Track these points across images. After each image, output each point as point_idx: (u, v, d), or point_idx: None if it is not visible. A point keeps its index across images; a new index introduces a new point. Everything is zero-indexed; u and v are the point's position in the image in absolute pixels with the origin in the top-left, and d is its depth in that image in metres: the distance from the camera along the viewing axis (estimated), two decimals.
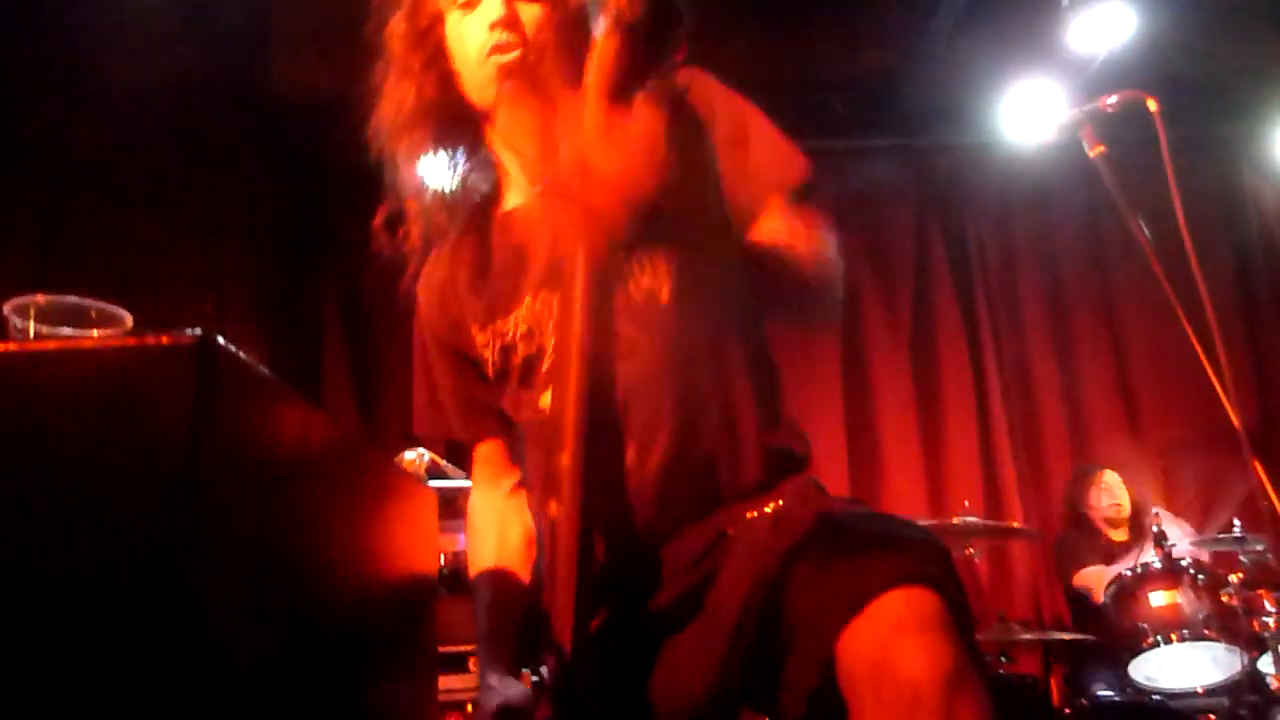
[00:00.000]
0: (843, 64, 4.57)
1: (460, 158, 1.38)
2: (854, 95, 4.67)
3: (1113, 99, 1.78)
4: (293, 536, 1.04)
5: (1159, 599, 3.35)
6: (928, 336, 4.71)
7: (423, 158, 1.35)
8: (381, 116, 1.34)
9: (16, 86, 3.21)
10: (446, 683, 3.18)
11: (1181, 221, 1.66)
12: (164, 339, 0.87)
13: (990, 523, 3.62)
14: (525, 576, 1.43)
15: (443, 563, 3.27)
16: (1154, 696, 3.30)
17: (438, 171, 1.36)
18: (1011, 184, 4.76)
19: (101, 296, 1.22)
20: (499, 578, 1.41)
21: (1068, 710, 3.34)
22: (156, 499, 0.83)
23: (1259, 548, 3.45)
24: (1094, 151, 1.75)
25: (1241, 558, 3.37)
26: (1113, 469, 4.03)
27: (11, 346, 0.89)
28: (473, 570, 1.44)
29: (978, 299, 4.76)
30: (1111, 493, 3.94)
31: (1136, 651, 3.34)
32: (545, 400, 1.24)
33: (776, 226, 1.27)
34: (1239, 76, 4.58)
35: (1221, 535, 3.56)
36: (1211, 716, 3.30)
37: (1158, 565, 3.37)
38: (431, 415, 1.44)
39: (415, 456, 3.49)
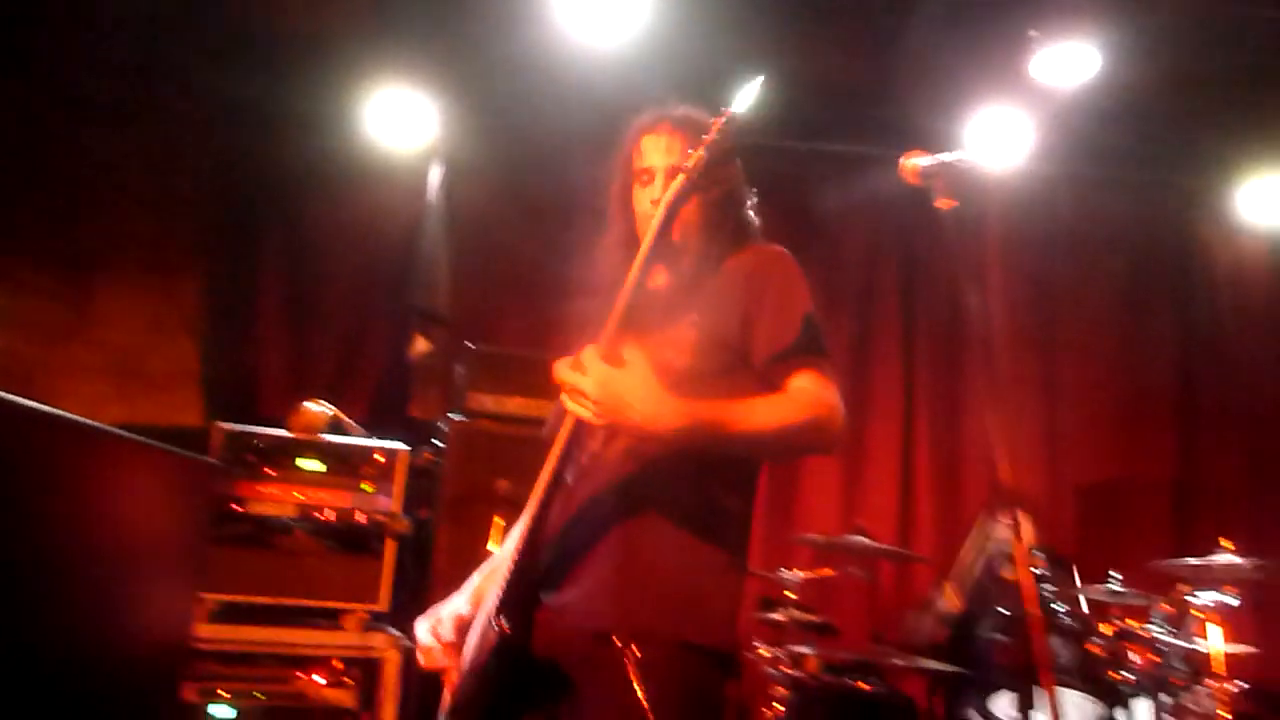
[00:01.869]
0: (816, 67, 4.54)
1: None
2: (822, 99, 4.64)
3: (960, 157, 1.76)
4: None
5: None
6: (865, 353, 4.70)
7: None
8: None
9: None
10: (316, 638, 3.25)
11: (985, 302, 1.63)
12: None
13: (878, 545, 3.62)
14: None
15: (334, 519, 3.33)
16: None
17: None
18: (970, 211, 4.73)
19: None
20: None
21: None
22: None
23: (1137, 601, 3.47)
24: (942, 204, 1.73)
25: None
26: (1019, 509, 4.02)
27: None
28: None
29: (919, 322, 4.75)
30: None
31: (999, 687, 3.37)
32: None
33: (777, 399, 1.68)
34: (1204, 128, 4.53)
35: (1099, 585, 3.56)
36: None
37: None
38: None
39: (320, 409, 3.52)
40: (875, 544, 3.58)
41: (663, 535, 1.67)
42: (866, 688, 3.47)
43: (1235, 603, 3.26)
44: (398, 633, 3.29)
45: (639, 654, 1.52)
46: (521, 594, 1.62)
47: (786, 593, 3.62)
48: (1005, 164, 4.51)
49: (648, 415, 1.52)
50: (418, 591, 3.34)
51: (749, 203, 1.93)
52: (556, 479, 1.66)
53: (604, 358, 1.55)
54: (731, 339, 1.74)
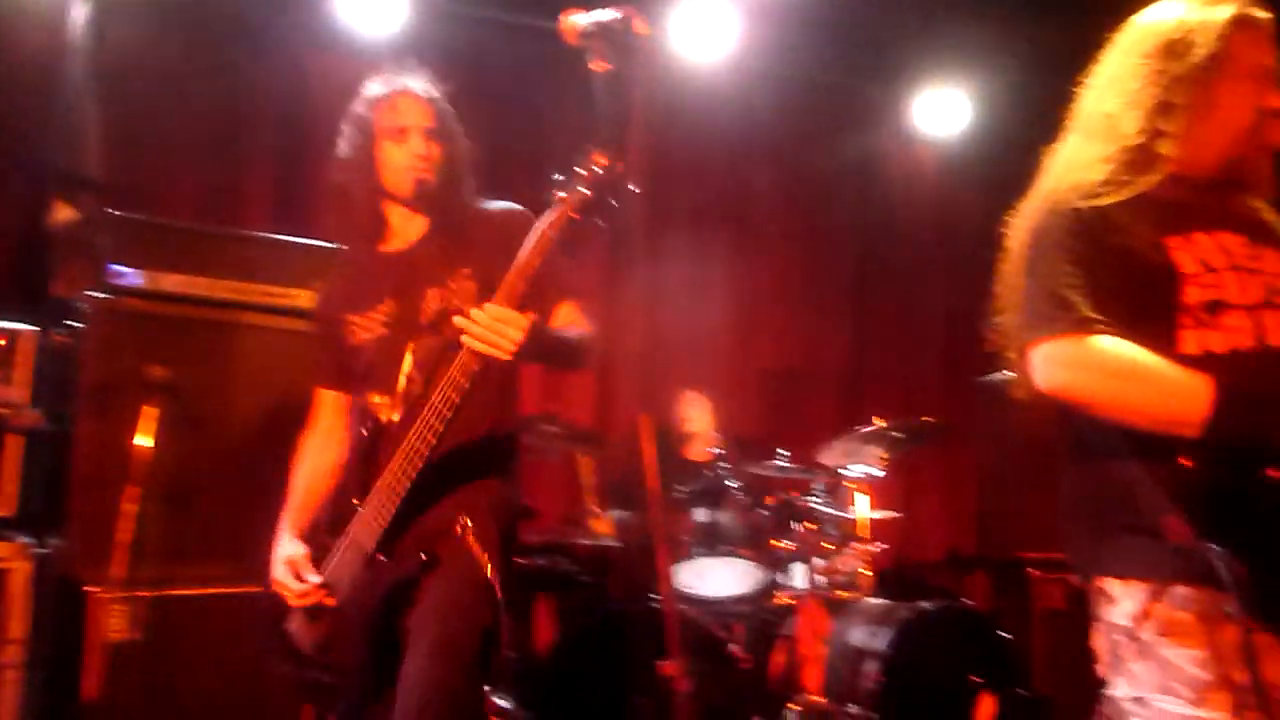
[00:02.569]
0: None
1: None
2: None
3: (618, 17, 1.66)
4: None
5: (701, 515, 3.57)
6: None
7: None
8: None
9: None
10: None
11: (636, 147, 1.58)
12: None
13: (559, 429, 3.66)
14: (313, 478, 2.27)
15: None
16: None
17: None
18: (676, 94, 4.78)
19: None
20: (307, 475, 2.28)
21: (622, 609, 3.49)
22: None
23: (801, 476, 3.76)
24: (597, 66, 1.63)
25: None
26: (701, 389, 4.20)
27: None
28: (294, 470, 2.28)
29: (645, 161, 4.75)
30: (694, 411, 4.11)
31: (675, 559, 3.55)
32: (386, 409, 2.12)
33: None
34: (890, 38, 4.80)
35: (767, 462, 3.83)
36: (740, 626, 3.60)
37: (705, 485, 3.57)
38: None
39: None
40: (557, 429, 3.62)
41: (484, 453, 2.11)
42: (556, 567, 3.55)
43: (880, 474, 3.61)
44: (29, 539, 2.93)
45: (471, 524, 2.04)
46: (394, 527, 1.99)
47: None
48: (707, 57, 4.57)
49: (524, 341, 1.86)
50: (55, 494, 2.97)
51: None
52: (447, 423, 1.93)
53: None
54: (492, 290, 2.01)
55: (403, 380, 2.10)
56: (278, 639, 2.15)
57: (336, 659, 2.05)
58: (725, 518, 3.57)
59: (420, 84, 2.20)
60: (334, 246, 3.23)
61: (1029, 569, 4.45)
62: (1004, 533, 5.04)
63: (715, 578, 3.55)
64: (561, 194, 1.85)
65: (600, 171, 1.83)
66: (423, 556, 1.98)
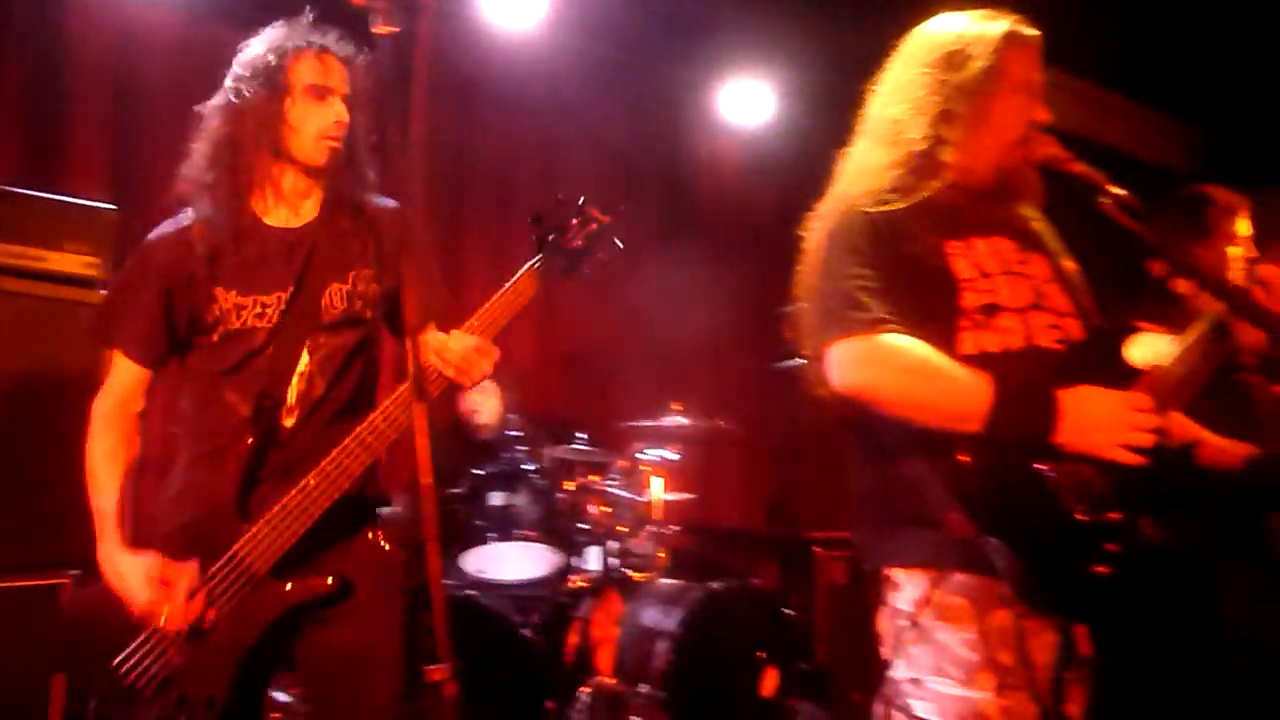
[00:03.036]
0: None
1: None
2: None
3: None
4: None
5: (497, 500, 3.51)
6: None
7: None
8: None
9: None
10: None
11: (415, 121, 1.48)
12: None
13: None
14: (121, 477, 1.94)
15: None
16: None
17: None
18: (480, 69, 4.65)
19: None
20: (116, 473, 1.93)
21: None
22: None
23: (598, 460, 3.76)
24: (380, 30, 1.51)
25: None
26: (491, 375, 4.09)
27: None
28: (95, 461, 1.93)
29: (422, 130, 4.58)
30: (481, 398, 4.01)
31: (469, 545, 3.48)
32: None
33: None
34: (700, 25, 4.85)
35: (564, 446, 3.81)
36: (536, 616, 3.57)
37: (501, 468, 3.51)
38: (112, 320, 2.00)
39: None
40: None
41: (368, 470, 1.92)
42: None
43: (676, 458, 3.67)
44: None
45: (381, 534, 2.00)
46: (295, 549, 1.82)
47: None
48: (515, 24, 4.46)
49: None
50: None
51: None
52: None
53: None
54: (390, 299, 2.00)
55: (298, 382, 1.88)
56: (97, 666, 1.83)
57: (193, 691, 1.79)
58: (521, 501, 3.52)
59: (340, 45, 1.97)
60: (96, 205, 2.94)
61: (815, 547, 4.68)
62: (793, 512, 5.28)
63: (510, 562, 3.50)
64: (555, 241, 1.93)
65: (597, 227, 1.95)
66: (329, 581, 1.83)
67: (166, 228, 1.99)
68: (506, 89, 4.76)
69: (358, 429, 1.80)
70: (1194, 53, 4.74)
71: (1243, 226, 2.70)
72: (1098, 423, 1.52)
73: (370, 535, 1.97)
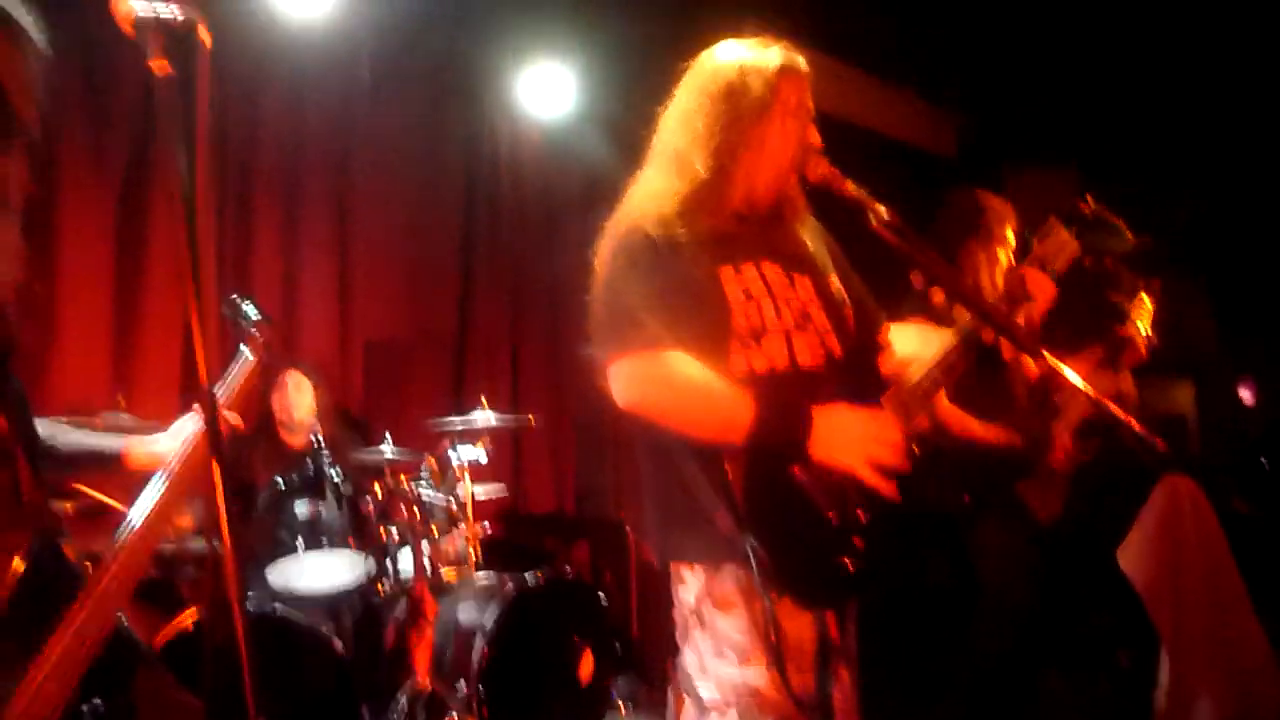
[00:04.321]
0: None
1: None
2: None
3: (174, 11, 1.44)
4: None
5: (302, 508, 3.41)
6: (140, 205, 4.15)
7: None
8: None
9: None
10: None
11: (200, 153, 1.43)
12: None
13: (129, 420, 3.30)
14: None
15: None
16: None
17: None
18: (267, 59, 4.43)
19: None
20: None
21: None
22: None
23: (406, 459, 3.72)
24: (155, 66, 1.42)
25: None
26: (301, 370, 3.96)
27: None
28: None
29: (204, 173, 4.32)
30: (291, 394, 3.88)
31: (275, 557, 3.37)
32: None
33: None
34: (500, 9, 4.77)
35: (372, 448, 3.75)
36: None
37: (305, 476, 3.42)
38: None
39: None
40: (128, 420, 3.26)
41: None
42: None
43: (485, 460, 3.68)
44: None
45: None
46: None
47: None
48: (303, 12, 4.27)
49: None
50: None
51: None
52: None
53: None
54: None
55: None
56: None
57: None
58: (327, 509, 3.43)
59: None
60: None
61: (627, 528, 4.81)
62: (603, 495, 5.40)
63: (319, 572, 3.42)
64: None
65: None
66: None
67: None
68: (296, 79, 4.57)
69: None
70: (960, 44, 5.12)
71: (1010, 233, 3.02)
72: (845, 441, 1.71)
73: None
